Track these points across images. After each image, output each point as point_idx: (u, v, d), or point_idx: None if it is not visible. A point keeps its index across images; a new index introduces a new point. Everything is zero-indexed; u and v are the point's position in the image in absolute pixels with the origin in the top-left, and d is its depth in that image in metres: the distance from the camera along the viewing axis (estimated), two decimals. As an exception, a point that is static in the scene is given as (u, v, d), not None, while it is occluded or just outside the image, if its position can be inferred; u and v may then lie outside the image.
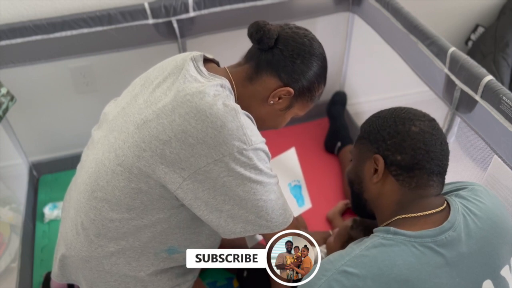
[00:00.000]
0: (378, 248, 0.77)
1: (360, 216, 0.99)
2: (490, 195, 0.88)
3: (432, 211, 0.81)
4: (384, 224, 0.85)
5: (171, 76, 0.96)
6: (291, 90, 0.96)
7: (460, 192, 0.88)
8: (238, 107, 0.89)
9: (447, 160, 0.85)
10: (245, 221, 0.93)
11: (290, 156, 1.49)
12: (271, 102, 0.98)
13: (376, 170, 0.85)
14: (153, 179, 0.90)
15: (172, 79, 0.95)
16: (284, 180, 1.47)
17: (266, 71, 0.96)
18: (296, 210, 1.42)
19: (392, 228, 0.79)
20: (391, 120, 0.85)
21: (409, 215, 0.81)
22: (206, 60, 1.00)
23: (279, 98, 0.98)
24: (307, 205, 1.43)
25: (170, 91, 0.92)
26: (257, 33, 0.93)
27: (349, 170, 0.94)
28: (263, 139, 0.93)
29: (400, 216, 0.82)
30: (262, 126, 1.02)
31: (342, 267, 0.76)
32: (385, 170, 0.84)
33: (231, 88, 0.94)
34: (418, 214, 0.81)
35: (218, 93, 0.89)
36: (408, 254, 0.75)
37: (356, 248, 0.79)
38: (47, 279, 1.34)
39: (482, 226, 0.80)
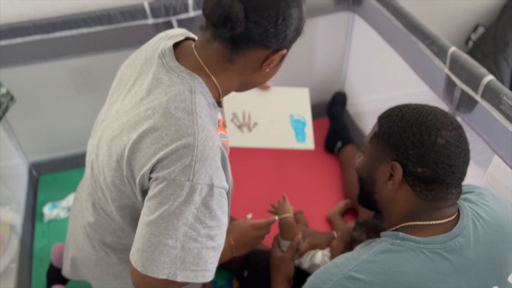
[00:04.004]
0: (386, 254, 0.75)
1: (365, 208, 0.96)
2: (496, 199, 0.88)
3: (444, 221, 0.78)
4: (393, 229, 0.82)
5: (141, 76, 0.89)
6: (284, 51, 0.84)
7: (468, 196, 0.86)
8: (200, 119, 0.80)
9: (466, 169, 0.80)
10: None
11: (302, 93, 1.38)
12: (267, 69, 0.87)
13: (391, 176, 0.81)
14: (129, 196, 0.87)
15: (141, 81, 0.88)
16: (286, 111, 1.35)
17: (247, 47, 0.82)
18: (294, 144, 1.32)
19: (400, 234, 0.77)
20: (416, 127, 0.78)
21: (420, 223, 0.79)
22: (181, 42, 0.89)
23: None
24: (309, 145, 1.31)
25: (136, 98, 0.86)
26: (224, 26, 0.77)
27: (361, 166, 0.88)
28: (226, 185, 0.83)
29: (410, 223, 0.80)
30: (254, 87, 0.94)
31: (349, 272, 0.74)
32: (402, 178, 0.80)
33: (204, 84, 0.84)
34: (430, 222, 0.78)
35: (184, 106, 0.80)
36: (417, 260, 0.74)
37: (363, 253, 0.77)
38: (50, 271, 1.36)
39: (490, 231, 0.79)
